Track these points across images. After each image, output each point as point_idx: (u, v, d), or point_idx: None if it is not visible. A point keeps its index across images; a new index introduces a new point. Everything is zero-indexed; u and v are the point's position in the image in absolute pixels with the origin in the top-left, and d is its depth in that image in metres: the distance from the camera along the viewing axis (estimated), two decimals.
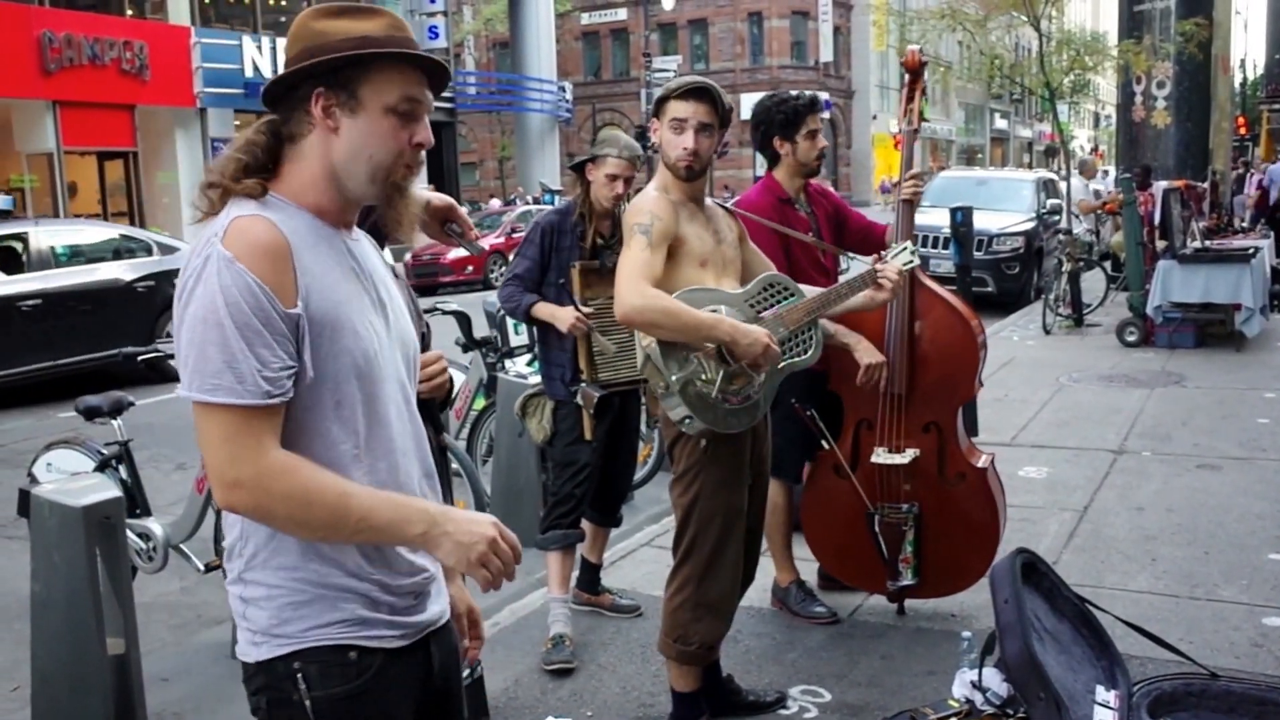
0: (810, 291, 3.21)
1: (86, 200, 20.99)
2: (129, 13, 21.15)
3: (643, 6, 38.07)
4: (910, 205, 3.88)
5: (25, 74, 18.13)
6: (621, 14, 46.30)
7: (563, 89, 34.32)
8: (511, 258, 4.10)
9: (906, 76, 4.04)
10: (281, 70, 1.61)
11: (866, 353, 3.78)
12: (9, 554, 5.42)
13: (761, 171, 4.32)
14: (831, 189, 4.23)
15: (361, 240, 1.74)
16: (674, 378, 2.96)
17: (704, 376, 2.99)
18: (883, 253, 3.32)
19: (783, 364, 3.13)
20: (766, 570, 4.11)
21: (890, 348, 3.85)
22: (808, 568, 4.40)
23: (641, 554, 5.04)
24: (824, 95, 4.70)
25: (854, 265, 3.93)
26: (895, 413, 3.92)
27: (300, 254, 1.55)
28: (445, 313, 5.68)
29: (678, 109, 3.09)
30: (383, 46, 1.60)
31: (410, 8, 26.69)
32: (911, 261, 3.30)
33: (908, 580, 4.00)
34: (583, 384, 3.94)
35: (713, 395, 3.00)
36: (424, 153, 1.68)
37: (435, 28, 27.21)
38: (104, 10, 20.66)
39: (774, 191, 4.00)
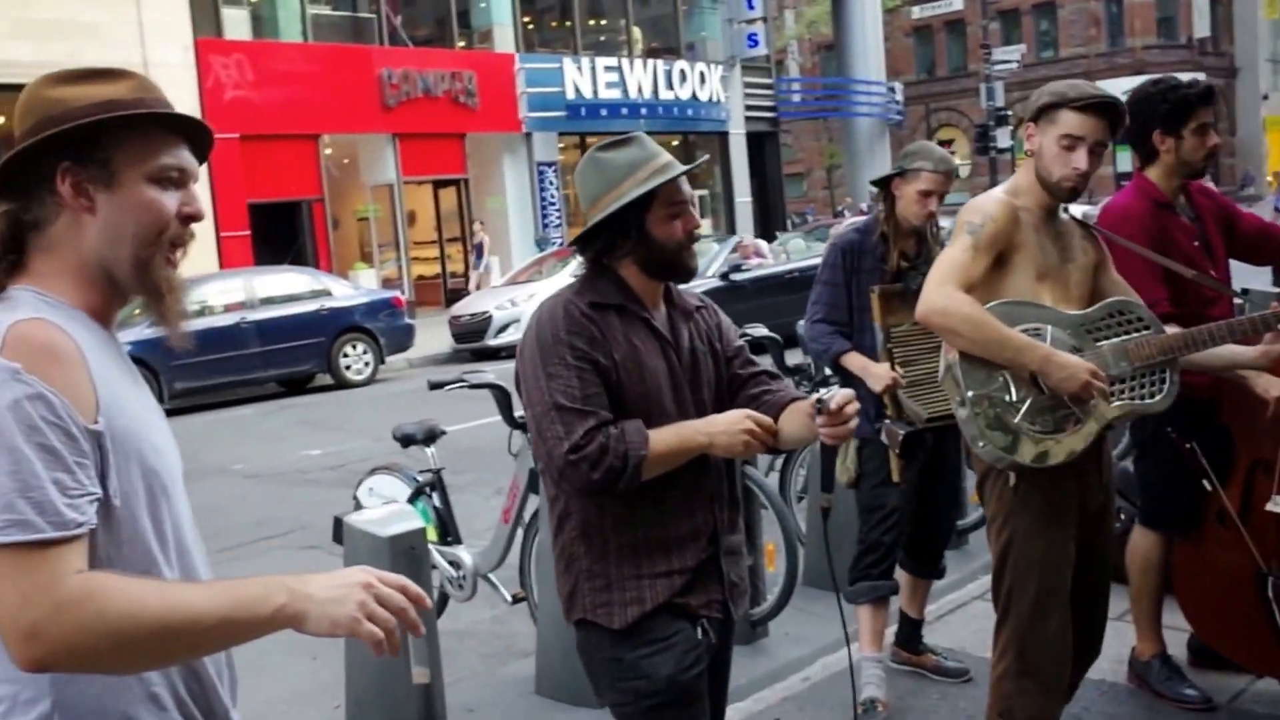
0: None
1: (423, 227, 22.76)
2: (459, 45, 22.59)
3: None
4: None
5: (369, 111, 19.90)
6: (956, 3, 43.82)
7: (892, 90, 33.20)
8: (814, 289, 3.75)
9: None
10: (19, 147, 1.41)
11: (1272, 384, 3.12)
12: None
13: (1121, 168, 3.71)
14: (1213, 186, 3.52)
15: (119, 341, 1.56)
16: (970, 393, 2.65)
17: (1007, 398, 2.66)
18: None
19: (1118, 403, 2.74)
20: (1125, 638, 3.50)
21: None
22: (1176, 639, 3.69)
23: (973, 608, 4.47)
24: (1200, 76, 3.97)
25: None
26: None
27: (91, 360, 1.34)
28: (756, 338, 5.32)
29: (1073, 124, 2.71)
30: (132, 109, 1.42)
31: (729, 15, 26.75)
32: None
33: None
34: (887, 421, 3.50)
35: (1015, 420, 2.65)
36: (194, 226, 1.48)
37: (755, 35, 26.67)
38: (437, 44, 22.29)
39: (1149, 194, 3.38)
